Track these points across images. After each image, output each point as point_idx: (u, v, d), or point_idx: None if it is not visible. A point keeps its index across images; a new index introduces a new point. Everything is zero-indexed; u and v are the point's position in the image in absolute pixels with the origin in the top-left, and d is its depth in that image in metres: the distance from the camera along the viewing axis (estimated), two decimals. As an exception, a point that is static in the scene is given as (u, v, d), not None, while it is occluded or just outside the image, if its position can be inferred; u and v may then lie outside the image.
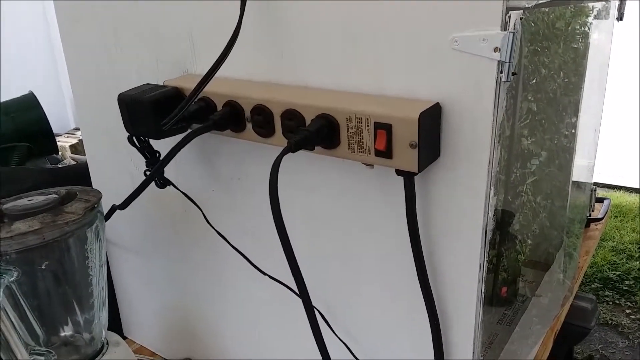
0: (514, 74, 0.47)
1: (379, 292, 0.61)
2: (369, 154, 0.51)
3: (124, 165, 0.79)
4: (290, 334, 0.73)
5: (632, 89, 3.77)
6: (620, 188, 3.87)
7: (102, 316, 0.68)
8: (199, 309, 0.84)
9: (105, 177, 0.86)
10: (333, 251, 0.63)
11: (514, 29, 0.45)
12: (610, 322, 2.54)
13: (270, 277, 0.66)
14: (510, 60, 0.46)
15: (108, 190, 0.72)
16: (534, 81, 0.84)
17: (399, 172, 0.51)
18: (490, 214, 0.51)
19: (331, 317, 0.65)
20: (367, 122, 0.50)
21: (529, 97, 0.84)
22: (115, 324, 0.97)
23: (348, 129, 0.52)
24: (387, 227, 0.57)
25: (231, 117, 0.60)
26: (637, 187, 3.85)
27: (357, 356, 0.64)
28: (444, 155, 0.51)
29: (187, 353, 0.89)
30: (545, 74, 0.86)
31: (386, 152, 0.50)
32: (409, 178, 0.51)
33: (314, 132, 0.51)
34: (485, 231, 0.51)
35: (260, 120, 0.57)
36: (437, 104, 0.49)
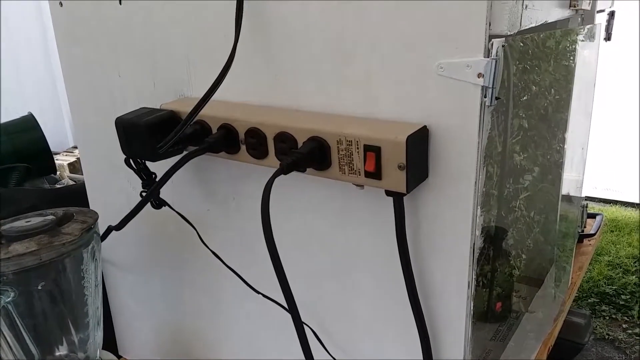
0: (497, 98, 0.48)
1: (371, 310, 0.62)
2: (359, 175, 0.53)
3: (121, 186, 0.80)
4: (286, 351, 0.73)
5: (627, 104, 3.81)
6: (616, 202, 3.89)
7: (97, 335, 0.69)
8: (195, 327, 0.84)
9: (103, 197, 0.87)
10: (326, 270, 0.64)
11: (497, 55, 0.47)
12: (607, 337, 2.54)
13: (263, 295, 0.67)
14: (493, 85, 0.48)
15: (105, 210, 0.73)
16: (524, 98, 0.86)
17: (388, 193, 0.53)
18: (478, 232, 0.52)
19: (324, 335, 0.66)
20: (357, 145, 0.52)
21: (520, 114, 0.86)
22: (110, 342, 0.97)
23: (339, 151, 0.53)
24: (378, 246, 0.58)
25: (226, 140, 0.61)
26: (633, 201, 3.88)
27: (350, 374, 0.65)
28: (432, 176, 0.53)
29: (183, 371, 0.90)
30: (536, 91, 0.88)
31: (375, 174, 0.51)
32: (398, 198, 0.53)
33: (305, 154, 0.53)
34: (474, 249, 0.53)
35: (254, 142, 0.59)
36: (425, 127, 0.51)
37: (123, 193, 0.81)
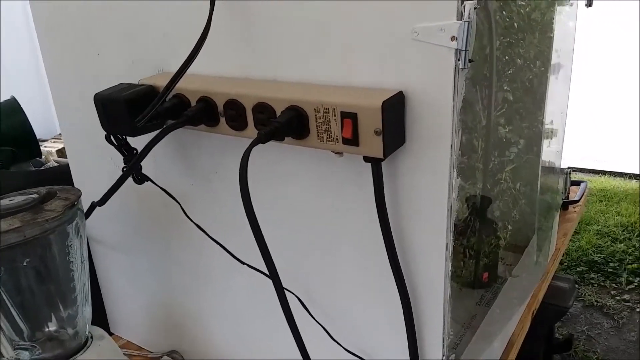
0: (470, 61, 0.49)
1: (353, 276, 0.63)
2: (337, 142, 0.53)
3: (105, 166, 0.80)
4: (275, 322, 0.75)
5: (617, 77, 3.82)
6: (604, 173, 3.93)
7: (86, 311, 0.70)
8: (184, 302, 0.85)
9: (86, 176, 0.87)
10: (308, 238, 0.65)
11: (469, 18, 0.47)
12: (595, 303, 2.59)
13: (248, 265, 0.68)
14: (466, 48, 0.48)
15: (89, 188, 0.73)
16: (509, 72, 0.86)
17: (366, 159, 0.53)
18: (454, 195, 0.53)
19: (309, 301, 0.67)
20: (334, 112, 0.52)
21: (505, 87, 0.86)
22: (101, 322, 0.99)
23: (316, 119, 0.53)
24: (358, 213, 0.59)
25: (205, 112, 0.61)
26: (621, 171, 3.92)
27: (334, 337, 0.66)
28: (409, 141, 0.54)
29: (174, 345, 0.91)
30: (521, 64, 0.88)
31: (353, 140, 0.52)
32: (376, 164, 0.53)
33: (283, 123, 0.53)
34: (450, 211, 0.54)
35: (233, 114, 0.59)
36: (400, 92, 0.52)
37: (107, 172, 0.80)
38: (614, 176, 3.87)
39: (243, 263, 0.69)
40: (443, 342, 0.59)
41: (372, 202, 0.55)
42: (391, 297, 0.59)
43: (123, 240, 0.88)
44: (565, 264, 2.84)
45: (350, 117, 0.51)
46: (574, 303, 2.61)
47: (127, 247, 0.88)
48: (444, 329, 0.58)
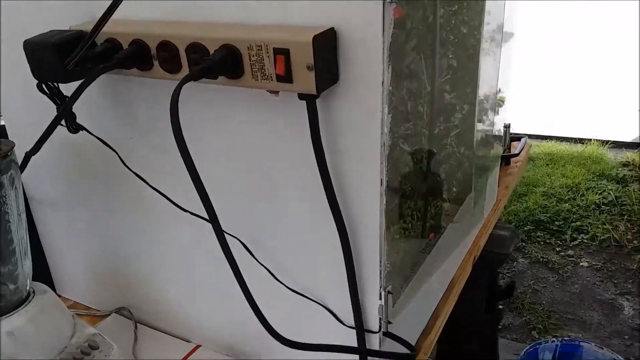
0: (397, -6, 0.50)
1: (295, 216, 0.65)
2: (272, 80, 0.54)
3: (38, 117, 0.78)
4: (222, 270, 0.75)
5: (566, 46, 3.94)
6: (551, 138, 4.08)
7: (26, 265, 0.68)
8: (130, 258, 0.85)
9: (21, 129, 0.84)
10: (249, 182, 0.66)
11: (395, -49, 0.48)
12: (541, 259, 2.72)
13: (189, 212, 0.68)
14: (393, -18, 0.49)
15: (26, 143, 0.71)
16: (454, 39, 0.88)
17: (301, 97, 0.54)
18: (386, 130, 0.55)
19: (254, 246, 0.68)
20: (267, 49, 0.52)
21: (449, 54, 0.88)
22: (47, 285, 0.97)
23: (250, 57, 0.53)
24: (297, 153, 0.60)
25: (137, 55, 0.60)
26: (567, 136, 4.08)
27: (279, 279, 0.68)
28: (343, 79, 0.54)
29: (123, 303, 0.91)
30: (465, 31, 0.90)
31: (286, 77, 0.52)
32: (310, 101, 0.54)
33: (216, 60, 0.53)
34: (383, 148, 0.55)
35: (166, 56, 0.58)
36: (332, 28, 0.52)
37: (40, 124, 0.78)
38: (560, 141, 4.03)
39: (184, 210, 0.69)
40: (380, 273, 0.61)
41: (310, 142, 0.56)
42: (332, 234, 0.61)
43: (63, 198, 0.86)
44: (514, 223, 2.97)
45: (282, 53, 0.51)
46: (522, 260, 2.74)
47: (68, 205, 0.86)
48: (380, 260, 0.60)
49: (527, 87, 3.98)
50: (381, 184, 0.57)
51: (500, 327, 2.30)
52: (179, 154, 0.52)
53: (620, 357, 1.60)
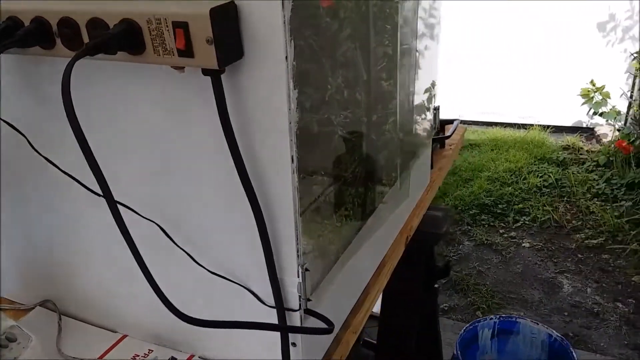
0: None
1: (210, 196, 0.64)
2: (174, 55, 0.52)
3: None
4: (147, 254, 0.74)
5: (507, 33, 4.06)
6: (496, 124, 4.21)
7: None
8: (50, 248, 0.82)
9: None
10: (162, 163, 0.64)
11: None
12: (486, 241, 2.81)
13: (102, 195, 0.66)
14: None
15: None
16: (389, 29, 0.88)
17: (205, 72, 0.53)
18: (294, 106, 0.55)
19: (173, 229, 0.67)
20: (166, 22, 0.51)
21: (386, 43, 0.89)
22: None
23: (150, 31, 0.52)
24: (206, 131, 0.59)
25: (39, 33, 0.58)
26: (511, 122, 4.22)
27: (199, 262, 0.67)
28: (248, 55, 0.54)
29: (46, 295, 0.87)
30: (400, 23, 0.91)
31: (187, 51, 0.51)
32: (215, 77, 0.54)
33: (114, 34, 0.52)
34: (291, 124, 0.55)
35: (69, 33, 0.56)
36: (232, 2, 0.52)
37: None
38: (505, 127, 4.16)
39: (99, 195, 0.67)
40: (298, 251, 0.61)
41: (217, 118, 0.55)
42: (248, 214, 0.60)
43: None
44: (460, 207, 3.05)
45: (181, 27, 0.50)
46: (468, 242, 2.82)
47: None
48: (297, 238, 0.60)
49: (472, 77, 4.09)
50: (292, 161, 0.56)
51: (446, 308, 2.37)
52: (89, 134, 0.51)
53: (555, 331, 1.67)
